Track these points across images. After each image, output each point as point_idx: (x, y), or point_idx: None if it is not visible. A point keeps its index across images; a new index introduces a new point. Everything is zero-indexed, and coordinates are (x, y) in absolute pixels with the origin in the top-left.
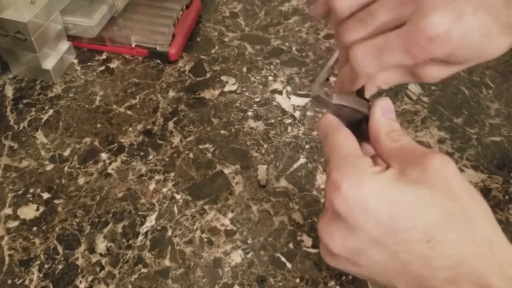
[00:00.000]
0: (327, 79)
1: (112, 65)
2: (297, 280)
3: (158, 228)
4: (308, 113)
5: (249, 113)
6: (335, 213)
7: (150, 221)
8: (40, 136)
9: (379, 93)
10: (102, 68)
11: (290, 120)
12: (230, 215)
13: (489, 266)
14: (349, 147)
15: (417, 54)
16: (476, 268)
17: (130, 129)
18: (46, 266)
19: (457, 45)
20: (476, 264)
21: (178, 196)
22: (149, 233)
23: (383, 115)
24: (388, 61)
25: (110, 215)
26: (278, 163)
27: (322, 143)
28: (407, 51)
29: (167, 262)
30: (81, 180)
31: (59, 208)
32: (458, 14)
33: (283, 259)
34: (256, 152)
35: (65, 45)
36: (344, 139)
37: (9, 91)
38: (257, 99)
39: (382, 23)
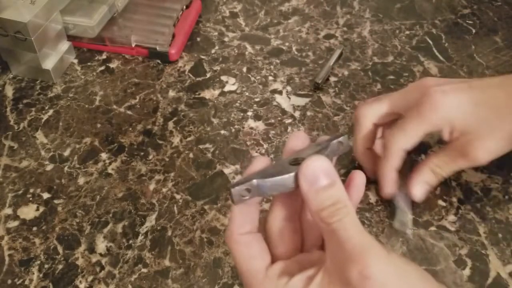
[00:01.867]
0: (327, 79)
1: (112, 65)
2: None
3: (158, 228)
4: (308, 113)
5: (249, 113)
6: None
7: (150, 221)
8: (40, 136)
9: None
10: (102, 68)
11: (290, 120)
12: (230, 215)
13: None
14: (248, 268)
15: None
16: None
17: (130, 129)
18: (46, 266)
19: None
20: None
21: (178, 196)
22: (149, 233)
23: (310, 189)
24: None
25: (110, 215)
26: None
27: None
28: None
29: (167, 262)
30: (81, 180)
31: (59, 208)
32: None
33: None
34: (256, 152)
35: (65, 45)
36: (240, 256)
37: (9, 91)
38: (257, 99)
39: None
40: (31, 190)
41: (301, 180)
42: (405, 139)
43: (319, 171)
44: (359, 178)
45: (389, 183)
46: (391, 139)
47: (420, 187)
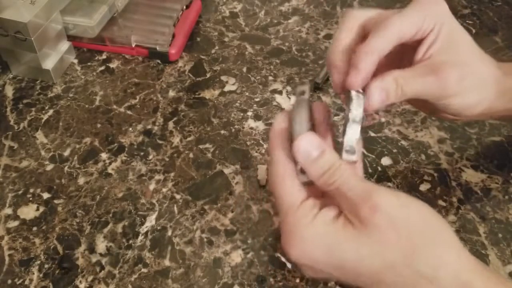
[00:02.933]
0: (327, 79)
1: (112, 65)
2: (297, 280)
3: (158, 228)
4: None
5: (249, 113)
6: (297, 264)
7: (150, 221)
8: (40, 136)
9: None
10: (102, 68)
11: None
12: (230, 215)
13: None
14: (285, 199)
15: None
16: None
17: (130, 129)
18: (46, 266)
19: None
20: None
21: (178, 196)
22: (149, 233)
23: (306, 160)
24: None
25: (110, 215)
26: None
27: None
28: None
29: (167, 262)
30: (81, 180)
31: (59, 208)
32: None
33: (283, 259)
34: (256, 152)
35: (65, 45)
36: (280, 187)
37: (9, 91)
38: (257, 99)
39: None
40: (31, 190)
41: (298, 158)
42: (401, 23)
43: (309, 146)
44: (320, 106)
45: (364, 69)
46: (385, 21)
47: (378, 92)
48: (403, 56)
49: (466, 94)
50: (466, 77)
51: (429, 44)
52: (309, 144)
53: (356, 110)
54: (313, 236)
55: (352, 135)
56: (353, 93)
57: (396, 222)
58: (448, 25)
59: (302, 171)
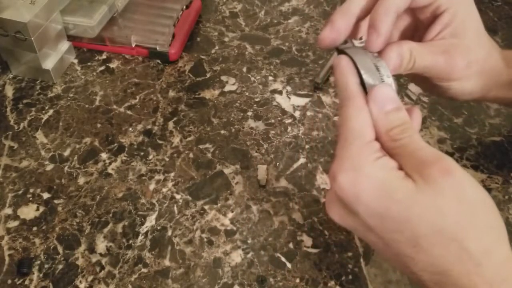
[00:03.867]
0: (327, 79)
1: (112, 65)
2: (297, 280)
3: (158, 228)
4: (308, 113)
5: (249, 113)
6: (337, 194)
7: (150, 221)
8: (40, 136)
9: None
10: (102, 68)
11: (290, 120)
12: (230, 215)
13: (475, 283)
14: (358, 128)
15: None
16: (461, 282)
17: (130, 129)
18: (46, 266)
19: None
20: (460, 279)
21: (178, 196)
22: (149, 233)
23: (380, 111)
24: None
25: (110, 215)
26: (278, 163)
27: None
28: None
29: (167, 262)
30: (81, 180)
31: (59, 208)
32: None
33: (283, 259)
34: (256, 152)
35: (65, 45)
36: (355, 117)
37: (9, 91)
38: (257, 99)
39: None
40: (31, 190)
41: (371, 105)
42: None
43: (385, 97)
44: (417, 113)
45: (385, 31)
46: None
47: (395, 57)
48: (414, 34)
49: (469, 81)
50: (473, 65)
51: (443, 25)
52: (386, 96)
53: (387, 75)
54: (371, 174)
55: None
56: (375, 59)
57: (464, 193)
58: (465, 9)
59: None
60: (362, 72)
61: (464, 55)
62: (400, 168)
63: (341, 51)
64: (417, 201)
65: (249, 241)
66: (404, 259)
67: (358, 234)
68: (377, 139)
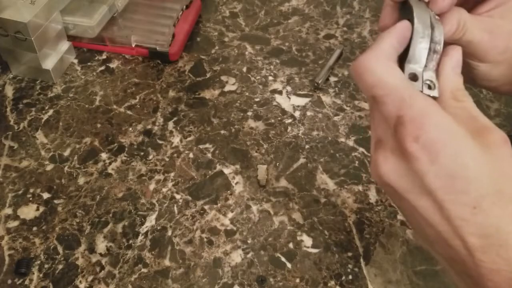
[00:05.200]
0: (327, 79)
1: (112, 65)
2: (297, 280)
3: (158, 228)
4: (308, 113)
5: (249, 113)
6: (402, 151)
7: (150, 221)
8: (40, 136)
9: None
10: (102, 68)
11: (290, 120)
12: (230, 215)
13: None
14: (409, 84)
15: None
16: (508, 243)
17: (130, 129)
18: (46, 266)
19: None
20: (508, 239)
21: (178, 196)
22: (149, 233)
23: (453, 70)
24: None
25: (110, 215)
26: (278, 163)
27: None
28: None
29: (167, 262)
30: (81, 180)
31: (59, 208)
32: None
33: (283, 259)
34: (256, 152)
35: (65, 45)
36: (399, 73)
37: (9, 91)
38: (257, 99)
39: None
40: (31, 190)
41: (448, 61)
42: None
43: (460, 61)
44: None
45: None
46: None
47: (455, 22)
48: (464, 3)
49: (498, 66)
50: (507, 52)
51: (497, 3)
52: (460, 59)
53: (438, 39)
54: (449, 127)
55: (432, 67)
56: (433, 17)
57: None
58: None
59: (414, 78)
60: (416, 22)
61: (505, 39)
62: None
63: (404, 2)
64: (486, 161)
65: (249, 241)
66: (456, 223)
67: (409, 198)
68: (445, 90)
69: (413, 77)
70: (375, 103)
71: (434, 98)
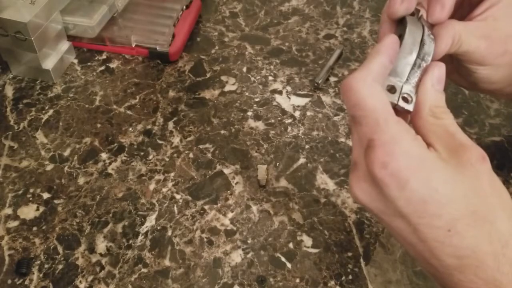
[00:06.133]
0: (327, 79)
1: (112, 65)
2: (297, 280)
3: (158, 228)
4: (308, 113)
5: (249, 113)
6: (372, 177)
7: (150, 221)
8: (40, 136)
9: None
10: (102, 68)
11: (290, 120)
12: (230, 215)
13: (498, 263)
14: (387, 108)
15: None
16: (485, 263)
17: (130, 129)
18: (46, 266)
19: None
20: (486, 259)
21: (178, 196)
22: (149, 233)
23: (433, 86)
24: None
25: (110, 215)
26: (278, 163)
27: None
28: None
29: (167, 262)
30: (81, 180)
31: (59, 208)
32: None
33: (283, 259)
34: (256, 152)
35: (65, 45)
36: (381, 96)
37: (9, 91)
38: (257, 99)
39: None
40: (31, 190)
41: (428, 77)
42: None
43: (441, 77)
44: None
45: (450, 4)
46: None
47: (450, 37)
48: (458, 8)
49: (498, 70)
50: (506, 54)
51: (489, 4)
52: (441, 76)
53: (424, 56)
54: (418, 154)
55: (413, 82)
56: (426, 34)
57: (494, 180)
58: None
59: (391, 90)
60: (405, 37)
61: (503, 43)
62: (428, 145)
63: (400, 20)
64: (458, 182)
65: (249, 241)
66: (432, 245)
67: (384, 219)
68: (415, 114)
69: (391, 89)
70: (354, 123)
71: (408, 112)
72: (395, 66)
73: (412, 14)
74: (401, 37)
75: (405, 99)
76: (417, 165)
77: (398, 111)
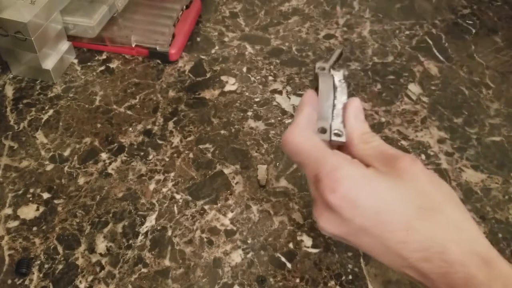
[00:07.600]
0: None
1: (112, 65)
2: (297, 280)
3: (158, 228)
4: None
5: (249, 113)
6: (329, 206)
7: (150, 221)
8: (40, 136)
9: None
10: (102, 68)
11: (290, 120)
12: (230, 215)
13: (457, 244)
14: (320, 146)
15: None
16: (446, 247)
17: (130, 129)
18: (46, 266)
19: None
20: (446, 244)
21: (178, 196)
22: (149, 233)
23: (356, 118)
24: None
25: (110, 215)
26: (278, 163)
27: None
28: None
29: (167, 262)
30: (81, 180)
31: (59, 208)
32: None
33: (283, 259)
34: (256, 152)
35: (65, 45)
36: (313, 138)
37: (9, 91)
38: (257, 99)
39: None
40: (31, 190)
41: (350, 113)
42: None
43: (360, 108)
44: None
45: None
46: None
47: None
48: None
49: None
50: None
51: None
52: (360, 107)
53: (340, 97)
54: (359, 173)
55: (339, 119)
56: (337, 80)
57: (429, 174)
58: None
59: (323, 131)
60: (320, 87)
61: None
62: (366, 165)
63: (316, 75)
64: (401, 187)
65: (249, 241)
66: (397, 247)
67: (352, 240)
68: (348, 144)
69: (322, 130)
70: (301, 168)
71: (342, 142)
72: (319, 112)
73: (323, 69)
74: (317, 89)
75: (337, 134)
76: (361, 183)
77: (334, 146)
